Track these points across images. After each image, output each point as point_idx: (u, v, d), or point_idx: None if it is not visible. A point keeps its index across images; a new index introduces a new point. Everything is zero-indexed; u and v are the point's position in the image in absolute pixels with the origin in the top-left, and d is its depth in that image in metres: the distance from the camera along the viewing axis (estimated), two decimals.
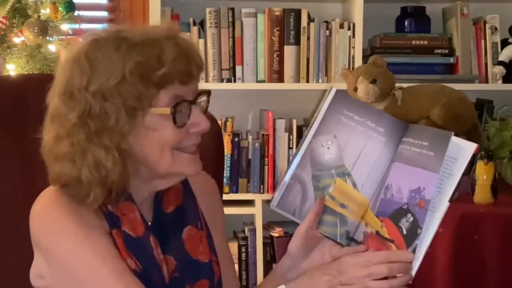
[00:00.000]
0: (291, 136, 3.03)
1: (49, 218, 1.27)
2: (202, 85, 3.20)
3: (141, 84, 1.23)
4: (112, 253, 1.25)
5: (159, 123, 1.26)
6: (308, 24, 3.01)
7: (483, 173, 2.20)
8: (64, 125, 1.25)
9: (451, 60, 3.07)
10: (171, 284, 1.32)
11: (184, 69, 1.26)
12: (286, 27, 3.00)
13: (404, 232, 1.23)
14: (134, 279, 1.24)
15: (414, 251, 1.23)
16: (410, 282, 1.24)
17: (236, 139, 3.00)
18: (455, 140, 1.25)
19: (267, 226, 3.09)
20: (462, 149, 1.24)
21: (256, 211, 2.99)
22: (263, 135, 3.03)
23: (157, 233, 1.34)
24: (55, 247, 1.27)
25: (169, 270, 1.32)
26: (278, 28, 3.00)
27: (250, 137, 3.03)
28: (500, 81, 3.07)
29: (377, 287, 1.22)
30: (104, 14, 3.21)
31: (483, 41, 3.09)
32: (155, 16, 2.90)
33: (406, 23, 3.17)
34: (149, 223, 1.35)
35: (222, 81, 3.01)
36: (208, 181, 1.51)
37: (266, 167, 3.02)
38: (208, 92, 1.33)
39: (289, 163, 1.34)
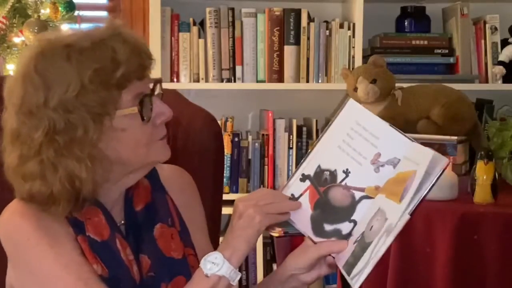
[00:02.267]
0: (291, 136, 3.03)
1: (13, 228, 1.27)
2: (202, 85, 3.22)
3: (102, 89, 1.22)
4: (77, 261, 1.25)
5: (127, 123, 1.26)
6: (308, 24, 3.01)
7: (483, 173, 2.20)
8: (29, 144, 1.23)
9: (451, 60, 3.07)
10: (148, 283, 1.32)
11: (138, 65, 1.26)
12: (286, 27, 3.00)
13: None
14: (99, 286, 1.24)
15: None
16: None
17: (236, 139, 3.00)
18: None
19: (267, 226, 3.08)
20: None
21: None
22: (263, 135, 3.04)
23: (131, 231, 1.35)
24: (20, 258, 1.26)
25: (144, 269, 1.32)
26: (278, 28, 2.99)
27: (250, 137, 3.03)
28: (500, 81, 3.07)
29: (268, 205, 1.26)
30: (104, 14, 3.21)
31: (483, 41, 3.09)
32: (155, 16, 2.91)
33: (406, 23, 3.17)
34: (122, 222, 1.35)
35: (222, 81, 3.00)
36: (184, 176, 1.50)
37: (266, 167, 3.02)
38: (159, 80, 1.34)
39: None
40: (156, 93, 1.32)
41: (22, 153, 1.24)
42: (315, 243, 1.29)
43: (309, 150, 1.33)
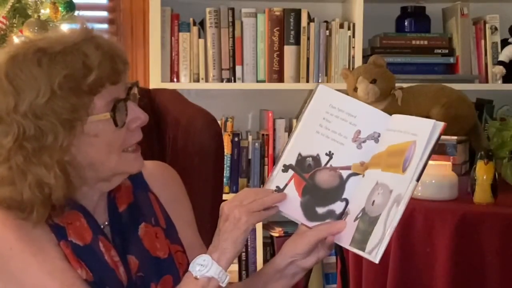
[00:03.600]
0: None
1: None
2: (202, 85, 3.22)
3: (73, 95, 1.20)
4: (61, 267, 1.24)
5: (99, 129, 1.24)
6: (308, 24, 3.01)
7: (483, 173, 2.20)
8: None
9: (451, 60, 3.07)
10: (137, 284, 1.32)
11: (111, 70, 1.24)
12: (286, 27, 3.00)
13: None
14: None
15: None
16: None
17: (236, 139, 3.00)
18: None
19: (267, 226, 3.09)
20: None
21: None
22: (263, 135, 3.04)
23: (116, 232, 1.34)
24: (4, 267, 1.25)
25: (133, 269, 1.32)
26: (278, 28, 3.00)
27: (250, 137, 3.03)
28: (500, 81, 3.07)
29: (251, 203, 1.25)
30: (104, 14, 3.21)
31: (483, 41, 3.09)
32: (155, 16, 2.91)
33: (406, 23, 3.17)
34: (105, 224, 1.34)
35: (222, 81, 3.00)
36: (168, 171, 1.50)
37: (266, 167, 3.02)
38: (135, 83, 1.31)
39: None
40: (132, 95, 1.29)
41: None
42: (310, 228, 1.30)
43: (287, 141, 1.34)
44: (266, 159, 3.02)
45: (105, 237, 1.32)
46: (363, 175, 1.29)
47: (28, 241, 1.24)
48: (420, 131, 1.24)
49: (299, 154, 1.31)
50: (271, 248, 3.08)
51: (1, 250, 1.25)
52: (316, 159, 1.31)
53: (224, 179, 2.82)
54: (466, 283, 2.07)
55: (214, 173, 1.65)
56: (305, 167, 1.31)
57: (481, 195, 2.21)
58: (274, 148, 3.02)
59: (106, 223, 1.35)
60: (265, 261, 3.03)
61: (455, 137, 2.44)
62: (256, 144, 3.01)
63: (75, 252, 1.27)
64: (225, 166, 2.89)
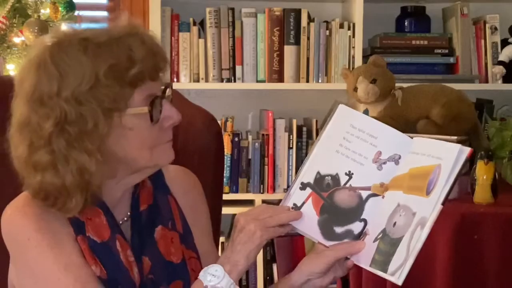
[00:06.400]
0: (291, 136, 3.03)
1: (14, 227, 1.27)
2: (202, 85, 3.22)
3: (116, 85, 1.22)
4: (76, 262, 1.25)
5: (135, 123, 1.26)
6: (308, 24, 3.01)
7: (483, 173, 2.20)
8: (38, 133, 1.22)
9: (451, 60, 3.07)
10: (147, 285, 1.32)
11: (153, 66, 1.26)
12: (286, 27, 3.00)
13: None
14: None
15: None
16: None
17: (236, 139, 3.00)
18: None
19: None
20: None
21: None
22: (263, 135, 3.04)
23: (135, 231, 1.34)
24: (20, 257, 1.26)
25: (145, 271, 1.32)
26: (278, 28, 3.00)
27: (250, 137, 3.03)
28: (500, 81, 3.07)
29: (268, 220, 1.25)
30: (104, 14, 3.21)
31: (483, 41, 3.09)
32: (155, 16, 2.91)
33: (406, 23, 3.17)
34: (124, 220, 1.35)
35: (222, 81, 3.01)
36: (189, 177, 1.50)
37: (266, 167, 3.02)
38: (169, 84, 1.34)
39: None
40: (167, 95, 1.32)
41: (32, 142, 1.23)
42: (327, 247, 1.30)
43: (305, 159, 1.34)
44: (266, 159, 3.02)
45: (122, 236, 1.32)
46: (383, 196, 1.29)
47: (46, 232, 1.25)
48: (446, 155, 1.24)
49: (318, 173, 1.31)
50: (271, 248, 3.07)
51: (19, 239, 1.26)
52: (335, 178, 1.31)
53: (224, 179, 2.82)
54: (466, 283, 2.07)
55: (214, 173, 1.65)
56: (324, 186, 1.31)
57: (481, 195, 2.21)
58: (274, 148, 3.02)
59: (125, 219, 1.36)
60: (265, 261, 3.03)
61: (455, 137, 2.44)
62: (256, 144, 3.01)
63: (91, 248, 1.27)
64: (225, 166, 2.89)
